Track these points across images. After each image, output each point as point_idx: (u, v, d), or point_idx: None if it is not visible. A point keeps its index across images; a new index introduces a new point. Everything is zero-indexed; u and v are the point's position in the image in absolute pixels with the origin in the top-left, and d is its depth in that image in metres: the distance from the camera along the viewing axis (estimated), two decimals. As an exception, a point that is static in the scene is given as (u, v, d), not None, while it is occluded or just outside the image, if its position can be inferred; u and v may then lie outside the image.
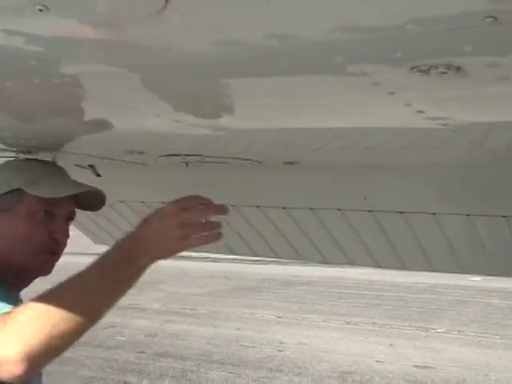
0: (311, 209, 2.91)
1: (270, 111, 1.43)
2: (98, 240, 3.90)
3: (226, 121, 1.52)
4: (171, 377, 7.56)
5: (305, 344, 9.23)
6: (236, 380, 7.52)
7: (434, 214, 2.56)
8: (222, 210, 1.52)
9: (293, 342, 9.36)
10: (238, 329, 10.26)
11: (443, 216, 2.55)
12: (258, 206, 2.92)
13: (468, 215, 2.42)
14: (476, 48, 0.87)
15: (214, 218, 1.54)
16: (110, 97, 1.28)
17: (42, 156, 2.58)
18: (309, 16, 0.84)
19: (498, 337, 9.74)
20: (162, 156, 2.20)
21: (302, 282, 15.84)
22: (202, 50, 0.96)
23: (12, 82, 1.22)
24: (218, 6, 0.81)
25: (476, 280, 13.98)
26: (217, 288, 14.89)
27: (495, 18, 0.77)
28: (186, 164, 2.35)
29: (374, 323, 10.70)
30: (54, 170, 1.81)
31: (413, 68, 0.95)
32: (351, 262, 3.35)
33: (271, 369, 7.95)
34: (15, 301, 1.52)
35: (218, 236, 1.47)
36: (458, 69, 0.93)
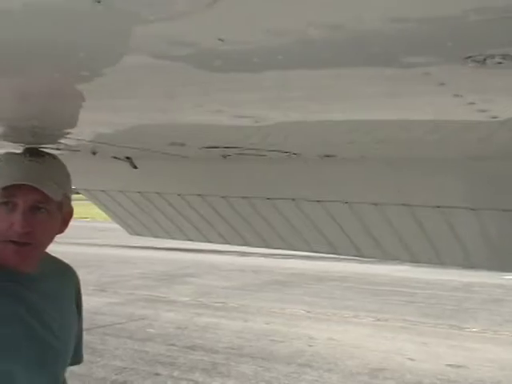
0: (346, 202, 2.90)
1: (310, 103, 1.43)
2: (133, 232, 3.94)
3: (268, 112, 1.52)
4: (202, 369, 7.59)
5: (335, 339, 9.20)
6: (266, 374, 7.52)
7: (472, 209, 2.53)
8: None
9: (323, 337, 9.33)
10: (267, 323, 10.27)
11: (482, 211, 2.52)
12: (293, 199, 2.92)
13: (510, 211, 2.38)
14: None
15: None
16: (159, 89, 1.29)
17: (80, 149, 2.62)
18: (364, 5, 0.83)
19: (533, 337, 9.60)
20: (202, 148, 2.21)
21: (332, 277, 15.78)
22: (253, 40, 0.96)
23: (62, 74, 1.23)
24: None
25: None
26: (246, 282, 14.91)
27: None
28: (224, 156, 2.37)
29: (406, 320, 10.61)
30: (17, 159, 1.83)
31: (467, 58, 0.93)
32: (387, 257, 3.33)
33: (301, 364, 7.94)
34: None
35: None
36: (515, 59, 0.92)
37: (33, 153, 1.87)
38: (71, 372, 2.06)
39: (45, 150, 1.95)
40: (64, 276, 1.98)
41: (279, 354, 8.38)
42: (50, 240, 1.83)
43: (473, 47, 0.91)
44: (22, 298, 1.76)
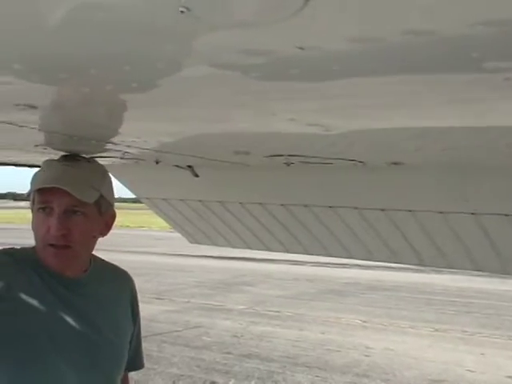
0: (409, 211, 2.86)
1: (384, 111, 1.42)
2: (193, 240, 3.98)
3: (338, 121, 1.52)
4: (258, 378, 7.59)
5: (392, 350, 9.07)
6: (322, 384, 7.48)
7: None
8: None
9: (379, 347, 9.21)
10: (322, 332, 10.21)
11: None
12: (355, 207, 2.90)
13: None
14: None
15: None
16: (230, 98, 1.30)
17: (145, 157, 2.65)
18: (450, 10, 0.82)
19: None
20: (266, 156, 2.21)
21: (386, 287, 15.59)
22: (334, 47, 0.96)
23: (138, 84, 1.25)
24: (359, 2, 0.80)
25: None
26: (301, 291, 14.87)
27: None
28: (288, 164, 2.37)
29: (463, 331, 10.40)
30: (53, 164, 1.88)
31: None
32: (449, 266, 3.27)
33: (358, 374, 7.85)
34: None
35: None
36: None
37: (68, 158, 1.93)
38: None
39: (83, 155, 1.98)
40: (119, 281, 2.01)
41: (335, 363, 8.31)
42: (89, 242, 1.85)
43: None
44: (69, 301, 1.80)
